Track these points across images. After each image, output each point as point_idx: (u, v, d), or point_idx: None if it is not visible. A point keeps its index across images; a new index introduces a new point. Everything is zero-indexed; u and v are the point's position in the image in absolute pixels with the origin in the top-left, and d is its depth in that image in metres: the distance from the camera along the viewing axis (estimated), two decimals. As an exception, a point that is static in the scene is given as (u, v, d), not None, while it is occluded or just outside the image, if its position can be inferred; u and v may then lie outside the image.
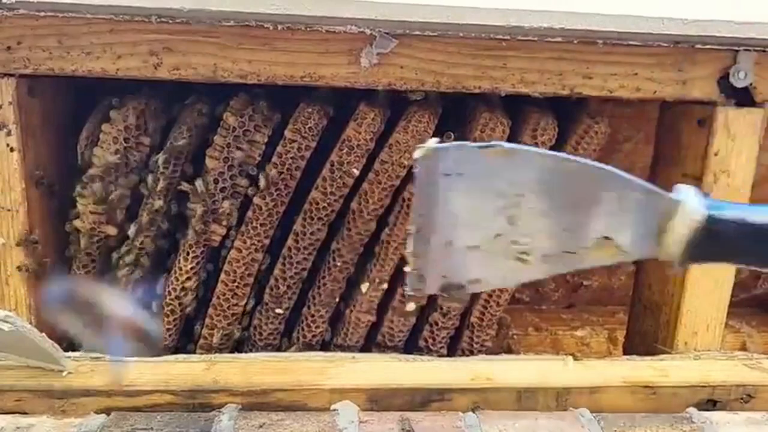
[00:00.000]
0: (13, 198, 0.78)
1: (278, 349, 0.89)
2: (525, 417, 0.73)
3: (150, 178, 0.82)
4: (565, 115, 0.86)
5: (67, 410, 0.73)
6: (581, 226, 0.52)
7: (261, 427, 0.70)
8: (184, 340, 0.90)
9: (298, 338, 0.88)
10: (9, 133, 0.76)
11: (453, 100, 0.84)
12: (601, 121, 0.85)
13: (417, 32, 0.75)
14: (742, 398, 0.79)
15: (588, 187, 0.51)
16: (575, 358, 0.84)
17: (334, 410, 0.74)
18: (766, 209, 0.50)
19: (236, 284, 0.84)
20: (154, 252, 0.85)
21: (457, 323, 0.90)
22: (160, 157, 0.82)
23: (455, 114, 0.86)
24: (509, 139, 0.83)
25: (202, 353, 0.86)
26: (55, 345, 0.76)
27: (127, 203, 0.83)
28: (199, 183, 0.81)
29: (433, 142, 0.52)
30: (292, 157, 0.80)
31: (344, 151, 0.81)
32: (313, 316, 0.87)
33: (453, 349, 0.92)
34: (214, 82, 0.77)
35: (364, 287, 0.86)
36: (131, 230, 0.84)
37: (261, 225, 0.82)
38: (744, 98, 0.83)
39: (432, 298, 0.89)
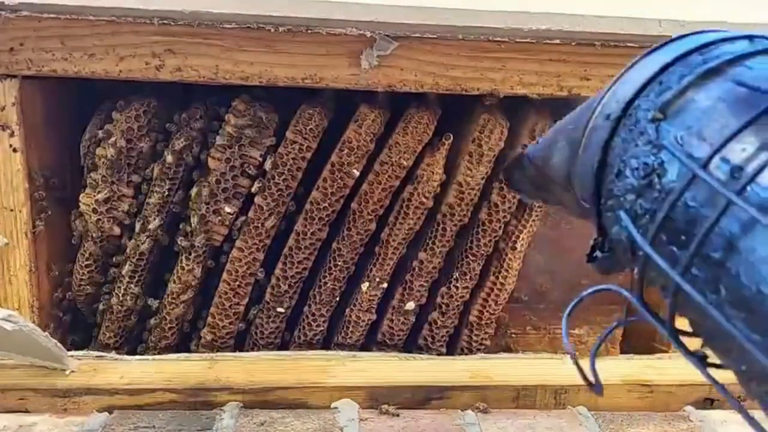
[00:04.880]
0: (16, 198, 0.78)
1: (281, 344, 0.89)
2: (523, 415, 0.74)
3: (155, 174, 0.83)
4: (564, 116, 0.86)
5: (69, 409, 0.74)
6: None
7: (262, 425, 0.71)
8: (186, 339, 0.90)
9: (299, 337, 0.89)
10: (12, 134, 0.77)
11: (452, 101, 0.85)
12: (599, 122, 0.85)
13: (417, 34, 0.76)
14: (739, 397, 0.79)
15: None
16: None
17: (335, 408, 0.75)
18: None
19: (238, 283, 0.85)
20: (157, 250, 0.86)
21: (456, 322, 0.91)
22: (167, 156, 0.82)
23: (454, 115, 0.87)
24: (507, 140, 0.84)
25: (203, 352, 0.86)
26: (59, 344, 0.76)
27: (129, 203, 0.84)
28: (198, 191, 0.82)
29: None
30: (293, 158, 0.81)
31: (344, 152, 0.81)
32: (314, 314, 0.88)
33: (452, 347, 0.93)
34: (215, 83, 0.78)
35: (365, 286, 0.87)
36: (137, 227, 0.84)
37: (262, 225, 0.83)
38: (740, 99, 0.83)
39: (432, 297, 0.90)
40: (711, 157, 0.31)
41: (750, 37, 0.37)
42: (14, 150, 0.77)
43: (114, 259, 0.87)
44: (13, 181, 0.78)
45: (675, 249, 0.33)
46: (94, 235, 0.84)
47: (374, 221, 0.85)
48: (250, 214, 0.82)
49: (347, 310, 0.89)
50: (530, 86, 0.80)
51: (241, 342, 0.89)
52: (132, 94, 0.82)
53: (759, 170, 0.29)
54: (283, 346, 0.89)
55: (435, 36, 0.76)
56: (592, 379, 0.38)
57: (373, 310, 0.89)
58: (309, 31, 0.75)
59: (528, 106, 0.85)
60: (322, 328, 0.89)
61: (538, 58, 0.79)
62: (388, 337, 0.90)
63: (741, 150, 0.31)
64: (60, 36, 0.75)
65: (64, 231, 0.87)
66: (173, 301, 0.85)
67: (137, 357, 0.83)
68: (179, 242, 0.85)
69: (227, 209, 0.82)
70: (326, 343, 0.90)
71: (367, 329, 0.90)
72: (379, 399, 0.76)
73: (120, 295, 0.85)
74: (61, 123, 0.86)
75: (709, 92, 0.35)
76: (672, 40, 0.40)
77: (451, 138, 0.83)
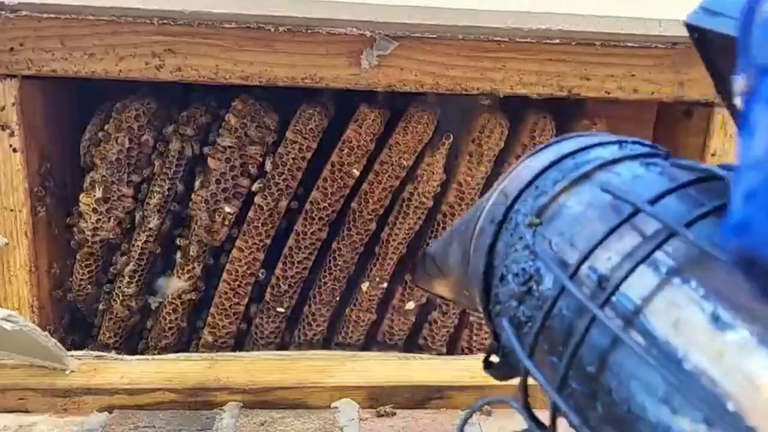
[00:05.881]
0: (16, 198, 0.78)
1: (281, 344, 0.89)
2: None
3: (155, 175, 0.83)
4: (564, 116, 0.86)
5: (69, 409, 0.74)
6: None
7: (262, 425, 0.71)
8: (186, 339, 0.90)
9: (299, 336, 0.89)
10: (12, 134, 0.77)
11: (452, 101, 0.85)
12: (599, 122, 0.85)
13: (416, 34, 0.76)
14: None
15: None
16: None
17: (335, 408, 0.75)
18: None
19: (237, 283, 0.85)
20: (156, 250, 0.86)
21: (457, 322, 0.91)
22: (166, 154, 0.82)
23: (454, 115, 0.86)
24: (508, 140, 0.84)
25: (204, 351, 0.86)
26: (58, 344, 0.76)
27: (129, 203, 0.84)
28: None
29: None
30: (293, 158, 0.81)
31: (344, 151, 0.81)
32: (313, 314, 0.88)
33: (452, 347, 0.93)
34: (215, 83, 0.77)
35: (365, 286, 0.87)
36: (136, 227, 0.85)
37: (262, 225, 0.83)
38: (741, 99, 0.83)
39: (432, 297, 0.90)
40: (579, 266, 0.31)
41: (620, 142, 0.38)
42: (14, 150, 0.77)
43: (114, 258, 0.87)
44: (13, 180, 0.78)
45: (555, 359, 0.32)
46: (93, 234, 0.84)
47: (374, 221, 0.85)
48: (250, 213, 0.82)
49: (347, 310, 0.89)
50: (530, 86, 0.80)
51: (241, 342, 0.89)
52: (132, 94, 0.82)
53: (622, 280, 0.29)
54: (283, 346, 0.89)
55: (435, 36, 0.76)
56: None
57: (373, 310, 0.89)
58: (309, 31, 0.75)
59: (528, 106, 0.85)
60: (322, 328, 0.89)
61: (538, 58, 0.79)
62: (388, 337, 0.90)
63: (607, 258, 0.31)
64: (60, 36, 0.75)
65: (65, 231, 0.87)
66: (173, 301, 0.85)
67: (137, 357, 0.83)
68: (179, 242, 0.85)
69: (227, 209, 0.82)
70: (326, 343, 0.90)
71: (367, 329, 0.90)
72: (379, 399, 0.76)
73: (120, 294, 0.85)
74: (61, 123, 0.86)
75: (579, 198, 0.35)
76: (548, 145, 0.41)
77: (451, 138, 0.83)
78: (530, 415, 0.34)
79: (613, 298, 0.29)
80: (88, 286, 0.87)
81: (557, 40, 0.78)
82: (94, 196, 0.82)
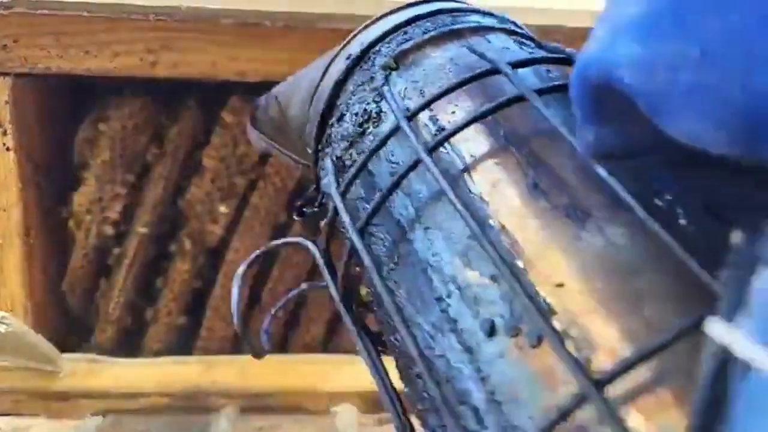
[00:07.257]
0: (8, 198, 0.77)
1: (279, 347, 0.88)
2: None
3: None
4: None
5: (63, 412, 0.73)
6: None
7: (259, 430, 0.70)
8: (182, 342, 0.89)
9: (297, 340, 0.88)
10: (5, 133, 0.76)
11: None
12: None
13: (417, 30, 0.75)
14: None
15: None
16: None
17: (333, 413, 0.74)
18: None
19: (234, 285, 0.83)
20: (152, 251, 0.85)
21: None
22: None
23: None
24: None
25: (199, 355, 0.85)
26: (52, 346, 0.75)
27: (123, 203, 0.83)
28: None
29: None
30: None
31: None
32: (312, 317, 0.87)
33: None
34: (212, 80, 0.76)
35: (364, 290, 0.86)
36: (131, 227, 0.84)
37: (259, 225, 0.82)
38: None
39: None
40: (419, 112, 0.30)
41: (502, 20, 0.39)
42: (7, 149, 0.76)
43: (108, 259, 0.86)
44: (5, 180, 0.77)
45: (366, 205, 0.31)
46: (87, 235, 0.83)
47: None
48: (246, 213, 0.82)
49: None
50: (533, 83, 0.79)
51: (237, 345, 0.88)
52: (127, 92, 0.81)
53: (455, 131, 0.28)
54: (281, 350, 0.88)
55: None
56: (262, 344, 0.37)
57: (374, 313, 0.87)
58: (307, 27, 0.74)
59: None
60: (320, 331, 0.88)
61: (541, 55, 0.78)
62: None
63: (451, 112, 0.30)
64: (54, 32, 0.74)
65: (58, 231, 0.86)
66: (168, 303, 0.84)
67: (132, 360, 0.82)
68: (174, 243, 0.84)
69: (222, 209, 0.81)
70: (325, 346, 0.89)
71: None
72: (378, 404, 0.75)
73: (114, 296, 0.85)
74: (54, 121, 0.85)
75: (444, 52, 0.34)
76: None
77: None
78: (327, 259, 0.34)
79: (445, 150, 0.29)
80: (82, 288, 0.86)
81: (559, 37, 0.76)
82: (88, 195, 0.82)
